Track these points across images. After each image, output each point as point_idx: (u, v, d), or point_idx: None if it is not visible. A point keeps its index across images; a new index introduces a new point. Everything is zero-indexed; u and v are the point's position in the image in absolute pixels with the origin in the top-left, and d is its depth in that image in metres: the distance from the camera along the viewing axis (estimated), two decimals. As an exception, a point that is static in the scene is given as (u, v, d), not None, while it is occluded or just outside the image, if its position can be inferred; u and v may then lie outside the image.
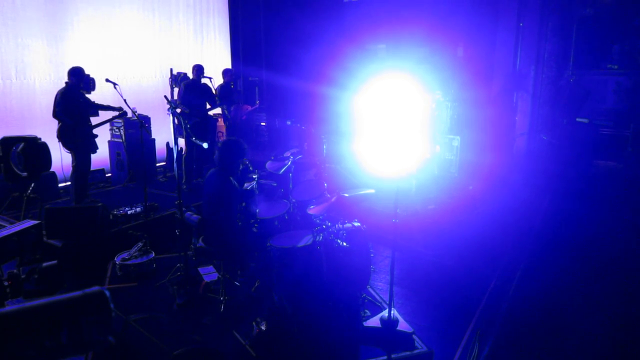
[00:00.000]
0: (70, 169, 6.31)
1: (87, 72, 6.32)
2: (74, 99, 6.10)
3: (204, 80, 7.46)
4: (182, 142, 7.61)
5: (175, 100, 7.65)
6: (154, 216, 5.95)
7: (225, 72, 8.80)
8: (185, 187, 7.10)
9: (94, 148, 6.32)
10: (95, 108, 6.39)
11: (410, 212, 6.52)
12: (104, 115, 6.51)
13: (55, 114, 6.05)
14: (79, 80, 6.12)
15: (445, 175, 7.66)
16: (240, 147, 4.27)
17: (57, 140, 6.07)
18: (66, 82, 6.09)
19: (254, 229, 4.54)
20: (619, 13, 9.41)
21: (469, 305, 4.41)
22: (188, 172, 7.33)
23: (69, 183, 6.53)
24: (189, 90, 7.24)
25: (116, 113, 6.41)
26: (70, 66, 6.13)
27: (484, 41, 8.42)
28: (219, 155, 4.24)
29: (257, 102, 9.99)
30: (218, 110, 8.94)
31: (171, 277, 4.77)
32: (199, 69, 7.35)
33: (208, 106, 7.60)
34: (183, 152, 7.50)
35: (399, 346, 3.77)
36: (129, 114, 6.36)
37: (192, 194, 6.94)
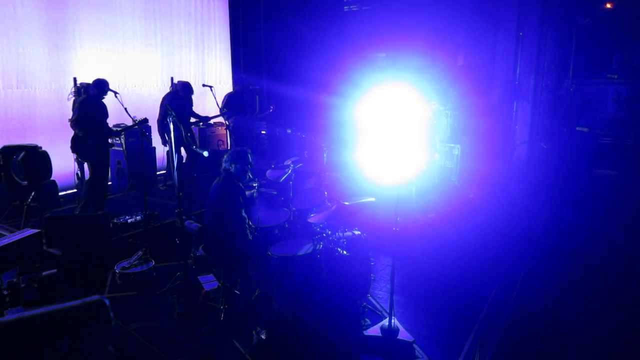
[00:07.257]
0: (73, 176, 6.25)
1: (87, 81, 6.29)
2: (93, 109, 5.93)
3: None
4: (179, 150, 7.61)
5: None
6: (154, 225, 5.93)
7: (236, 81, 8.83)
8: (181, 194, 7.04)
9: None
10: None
11: (411, 220, 6.51)
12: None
13: (73, 124, 5.86)
14: (100, 92, 5.99)
15: (445, 184, 7.67)
16: (247, 155, 4.37)
17: (70, 150, 6.00)
18: (87, 92, 5.95)
19: (249, 237, 4.54)
20: (619, 23, 9.46)
21: (470, 314, 4.39)
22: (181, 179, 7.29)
23: (69, 192, 6.50)
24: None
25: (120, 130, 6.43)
26: (72, 75, 6.13)
27: (484, 50, 8.47)
28: (229, 162, 4.27)
29: (271, 107, 9.75)
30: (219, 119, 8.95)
31: (171, 285, 4.75)
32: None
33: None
34: (184, 160, 7.52)
35: (400, 355, 3.75)
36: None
37: (192, 203, 6.92)
